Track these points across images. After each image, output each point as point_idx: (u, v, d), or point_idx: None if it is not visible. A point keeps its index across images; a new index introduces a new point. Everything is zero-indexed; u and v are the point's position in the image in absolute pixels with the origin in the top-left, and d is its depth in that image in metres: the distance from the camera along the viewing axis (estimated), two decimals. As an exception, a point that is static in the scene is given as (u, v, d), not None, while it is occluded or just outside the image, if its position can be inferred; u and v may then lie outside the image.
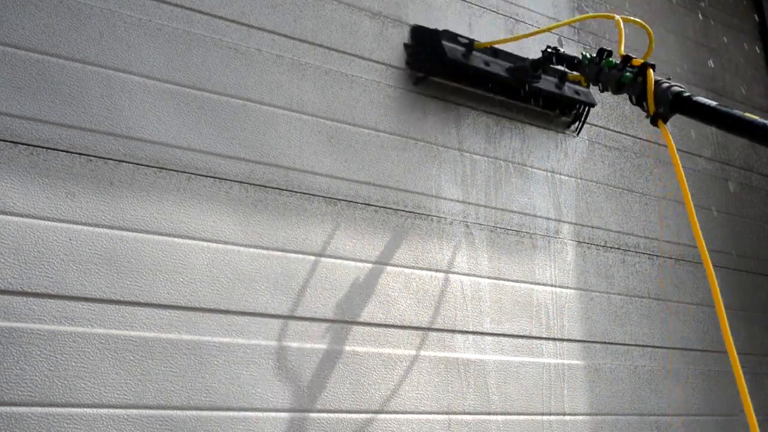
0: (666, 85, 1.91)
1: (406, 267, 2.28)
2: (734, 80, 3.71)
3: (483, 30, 2.72)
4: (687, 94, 1.88)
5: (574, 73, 2.43)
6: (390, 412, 2.13)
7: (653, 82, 1.91)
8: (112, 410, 1.72)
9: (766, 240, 3.50)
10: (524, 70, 2.49)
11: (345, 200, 2.22)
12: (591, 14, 2.82)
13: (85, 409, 1.69)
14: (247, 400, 1.90)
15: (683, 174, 1.83)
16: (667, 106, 1.88)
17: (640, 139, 3.13)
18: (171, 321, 1.84)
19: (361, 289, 2.17)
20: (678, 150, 3.24)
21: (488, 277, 2.46)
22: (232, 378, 1.89)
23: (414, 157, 2.40)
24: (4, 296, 1.66)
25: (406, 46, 2.45)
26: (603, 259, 2.81)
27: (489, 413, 2.32)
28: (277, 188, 2.10)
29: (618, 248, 2.87)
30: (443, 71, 2.44)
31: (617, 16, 2.17)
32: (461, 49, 2.42)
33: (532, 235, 2.62)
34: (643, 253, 2.95)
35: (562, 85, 2.65)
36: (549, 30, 2.67)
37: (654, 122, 1.92)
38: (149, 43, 1.98)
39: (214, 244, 1.96)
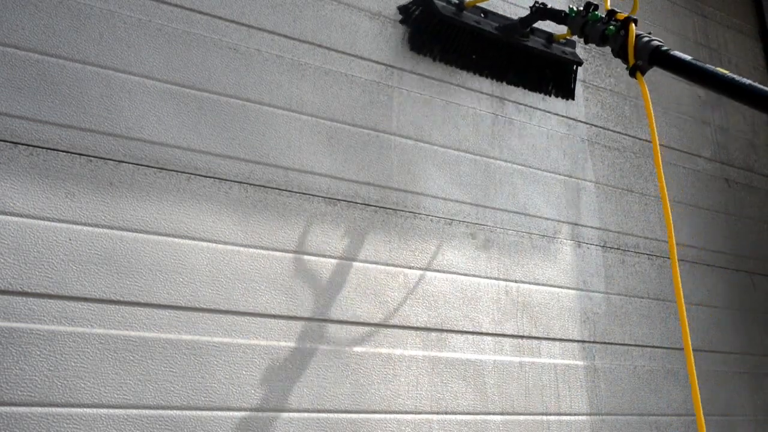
0: (646, 39, 2.00)
1: (406, 267, 2.28)
2: (734, 80, 3.70)
3: (483, 30, 2.72)
4: (665, 48, 1.96)
5: (561, 32, 2.58)
6: (390, 412, 2.13)
7: (635, 36, 2.01)
8: (112, 410, 1.72)
9: (766, 240, 3.50)
10: (514, 27, 2.55)
11: (345, 200, 2.22)
12: None
13: (85, 409, 1.69)
14: (247, 400, 1.90)
15: (655, 131, 1.92)
16: (646, 59, 1.97)
17: (640, 139, 3.13)
18: (171, 321, 1.85)
19: (361, 289, 2.17)
20: (678, 149, 3.27)
21: (487, 277, 2.46)
22: (232, 378, 1.89)
23: (413, 157, 2.40)
24: (4, 296, 1.66)
25: (399, 8, 2.49)
26: (603, 260, 2.81)
27: (488, 413, 2.32)
28: (276, 188, 2.10)
29: (618, 248, 2.88)
30: (435, 28, 2.46)
31: None
32: (452, 7, 2.48)
33: (532, 235, 2.62)
34: (643, 253, 2.96)
35: (550, 45, 2.69)
36: None
37: (632, 74, 2.00)
38: (149, 43, 1.98)
39: (214, 244, 1.96)
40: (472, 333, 2.37)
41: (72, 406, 1.68)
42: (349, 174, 2.24)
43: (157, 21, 2.00)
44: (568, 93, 2.80)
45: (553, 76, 2.76)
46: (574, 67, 2.77)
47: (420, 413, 2.18)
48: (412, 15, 2.49)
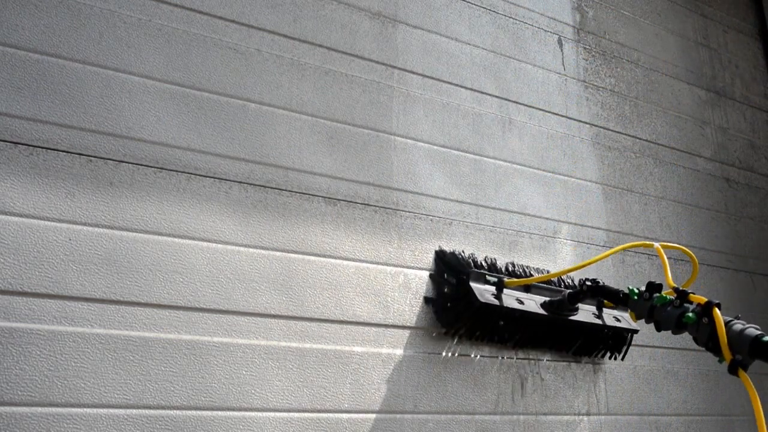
0: (739, 327, 1.70)
1: (406, 267, 2.28)
2: (734, 80, 3.71)
3: (483, 30, 2.72)
4: (766, 338, 1.67)
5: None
6: (390, 412, 2.13)
7: (723, 325, 1.70)
8: (112, 410, 1.72)
9: (766, 240, 3.50)
10: (561, 304, 2.30)
11: (345, 200, 2.22)
12: (630, 244, 2.26)
13: (85, 409, 1.69)
14: (247, 400, 1.90)
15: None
16: (746, 353, 1.68)
17: (640, 139, 3.13)
18: (171, 321, 1.84)
19: (361, 289, 2.17)
20: (678, 149, 3.27)
21: (488, 277, 2.45)
22: (232, 378, 1.89)
23: (413, 157, 2.40)
24: (4, 296, 1.66)
25: (426, 299, 2.27)
26: (602, 260, 2.81)
27: (488, 413, 2.32)
28: (276, 188, 2.10)
29: (618, 248, 2.87)
30: (475, 316, 2.22)
31: (656, 244, 2.00)
32: (491, 288, 2.23)
33: (532, 235, 2.62)
34: (643, 253, 2.96)
35: (601, 313, 2.44)
36: (589, 264, 2.33)
37: (733, 371, 1.70)
38: (149, 43, 1.98)
39: (214, 244, 1.96)
40: (472, 333, 2.36)
41: (72, 406, 1.68)
42: (349, 174, 2.24)
43: (157, 21, 2.00)
44: (617, 355, 2.59)
45: (603, 345, 2.54)
46: (629, 335, 2.55)
47: (420, 413, 2.18)
48: (446, 305, 2.23)
